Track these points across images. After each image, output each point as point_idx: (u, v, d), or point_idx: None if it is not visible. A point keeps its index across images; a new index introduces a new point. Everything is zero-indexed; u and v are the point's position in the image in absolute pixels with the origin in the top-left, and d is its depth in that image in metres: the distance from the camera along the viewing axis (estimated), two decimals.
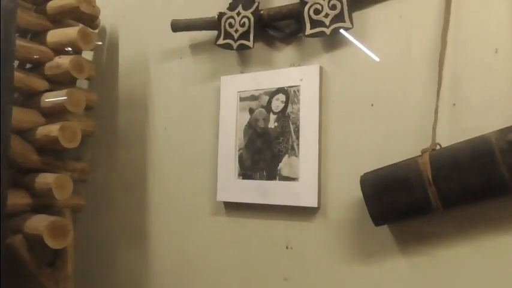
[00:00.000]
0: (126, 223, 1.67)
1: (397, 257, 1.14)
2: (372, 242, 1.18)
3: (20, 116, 1.46)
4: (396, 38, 1.19)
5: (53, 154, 1.57)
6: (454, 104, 1.09)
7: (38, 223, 1.41)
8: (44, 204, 1.51)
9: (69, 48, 1.56)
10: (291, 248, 1.31)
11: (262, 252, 1.35)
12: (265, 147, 1.35)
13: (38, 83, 1.53)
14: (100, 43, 1.77)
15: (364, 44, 1.23)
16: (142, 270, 1.60)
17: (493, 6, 1.06)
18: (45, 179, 1.45)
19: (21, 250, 1.42)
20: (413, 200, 1.04)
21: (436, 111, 1.07)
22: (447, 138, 1.05)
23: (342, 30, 1.23)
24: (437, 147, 1.06)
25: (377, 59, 1.21)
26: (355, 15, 1.22)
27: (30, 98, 1.54)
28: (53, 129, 1.45)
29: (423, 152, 1.06)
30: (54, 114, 1.52)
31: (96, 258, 1.72)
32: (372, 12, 1.23)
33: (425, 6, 1.15)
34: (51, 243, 1.39)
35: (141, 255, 1.61)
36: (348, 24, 1.20)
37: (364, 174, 1.12)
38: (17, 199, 1.45)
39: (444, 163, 1.01)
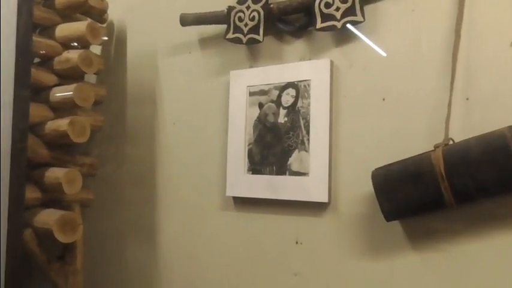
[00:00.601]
0: (135, 218, 1.67)
1: (408, 252, 1.14)
2: (383, 238, 1.17)
3: (30, 110, 1.46)
4: (408, 32, 1.17)
5: (62, 149, 1.57)
6: (467, 99, 1.08)
7: (48, 217, 1.41)
8: (53, 198, 1.51)
9: (75, 43, 1.56)
10: (301, 243, 1.31)
11: (271, 247, 1.35)
12: (275, 142, 1.35)
13: (47, 78, 1.53)
14: (106, 38, 1.77)
15: (376, 38, 1.22)
16: (151, 264, 1.60)
17: None
18: (55, 174, 1.45)
19: (31, 244, 1.43)
20: (426, 196, 1.03)
21: (449, 106, 1.06)
22: (460, 133, 1.04)
23: (352, 25, 1.22)
24: (450, 142, 1.05)
25: (389, 53, 1.20)
26: (366, 8, 1.21)
27: (39, 93, 1.54)
28: (62, 124, 1.45)
29: (436, 147, 1.05)
30: (63, 108, 1.52)
31: (105, 252, 1.72)
32: (383, 6, 1.21)
33: (438, 0, 1.13)
34: (61, 238, 1.40)
35: (150, 250, 1.61)
36: (359, 17, 1.19)
37: (376, 169, 1.11)
38: (27, 193, 1.45)
39: (457, 158, 1.00)
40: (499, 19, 1.06)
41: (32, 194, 1.47)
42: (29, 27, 1.35)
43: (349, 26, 1.22)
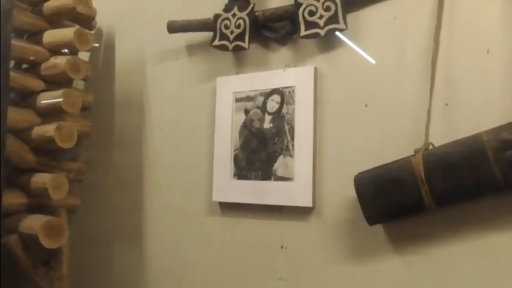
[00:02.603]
0: (122, 223, 1.67)
1: (391, 256, 1.15)
2: (367, 242, 1.19)
3: (16, 116, 1.46)
4: (390, 39, 1.20)
5: (48, 154, 1.57)
6: (447, 104, 1.10)
7: (34, 223, 1.41)
8: (39, 204, 1.51)
9: (66, 50, 1.56)
10: (286, 248, 1.32)
11: (257, 252, 1.36)
12: (261, 148, 1.36)
13: (34, 83, 1.54)
14: (97, 45, 1.78)
15: (359, 45, 1.24)
16: (137, 270, 1.60)
17: (484, 8, 1.08)
18: (41, 179, 1.45)
19: (16, 250, 1.43)
20: (407, 199, 1.05)
21: (429, 111, 1.09)
22: (440, 137, 1.07)
23: (336, 32, 1.24)
24: (430, 146, 1.07)
25: (371, 60, 1.22)
26: (349, 16, 1.23)
27: (26, 98, 1.54)
28: (49, 129, 1.45)
29: (416, 151, 1.07)
30: (50, 114, 1.52)
31: (92, 258, 1.72)
32: (366, 14, 1.24)
33: (419, 8, 1.16)
34: (47, 243, 1.39)
35: (136, 256, 1.61)
36: (342, 25, 1.22)
37: (358, 174, 1.13)
38: (12, 199, 1.45)
39: (437, 163, 1.02)
40: (476, 27, 1.09)
41: (18, 199, 1.47)
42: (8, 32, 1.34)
43: (337, 34, 1.25)
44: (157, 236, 1.58)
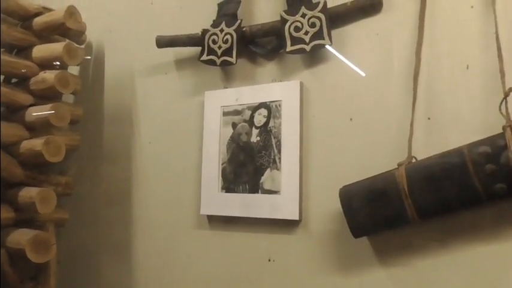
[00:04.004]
0: (110, 237, 1.66)
1: (376, 268, 1.16)
2: (352, 254, 1.20)
3: (4, 130, 1.46)
4: (373, 55, 1.23)
5: (37, 168, 1.57)
6: (429, 118, 1.13)
7: (21, 237, 1.40)
8: (27, 218, 1.50)
9: (57, 63, 1.57)
10: (273, 261, 1.32)
11: (245, 265, 1.36)
12: (248, 161, 1.37)
13: (23, 97, 1.54)
14: (89, 57, 1.79)
15: (343, 61, 1.27)
16: (126, 284, 1.60)
17: (464, 26, 1.11)
18: (29, 193, 1.45)
19: (3, 265, 1.42)
20: (391, 212, 1.07)
21: (411, 125, 1.11)
22: (423, 151, 1.09)
23: (320, 48, 1.27)
24: (413, 160, 1.09)
25: (355, 75, 1.25)
26: (334, 32, 1.26)
27: (15, 112, 1.55)
28: (37, 144, 1.45)
29: (399, 165, 1.09)
30: (39, 128, 1.52)
31: (80, 272, 1.71)
32: (350, 30, 1.27)
33: (401, 25, 1.19)
34: (34, 258, 1.39)
35: (125, 269, 1.60)
36: (327, 41, 1.24)
37: (343, 187, 1.15)
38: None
39: (419, 176, 1.04)
40: (457, 44, 1.12)
41: (5, 213, 1.46)
42: None
43: (328, 47, 1.28)
44: (145, 249, 1.58)
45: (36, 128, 1.53)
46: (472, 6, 1.10)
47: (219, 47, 1.41)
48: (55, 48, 1.54)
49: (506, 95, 0.97)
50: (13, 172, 1.50)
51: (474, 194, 0.98)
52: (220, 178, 1.41)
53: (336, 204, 1.16)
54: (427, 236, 1.10)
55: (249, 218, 1.35)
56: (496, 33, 1.01)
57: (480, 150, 0.97)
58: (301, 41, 1.27)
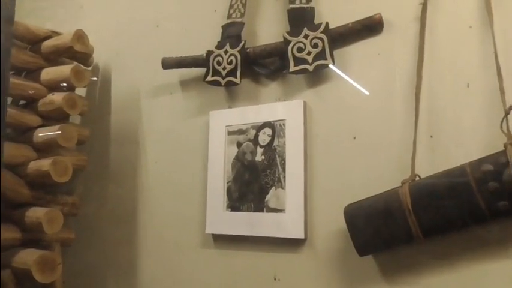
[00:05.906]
0: (116, 257, 1.67)
1: (382, 286, 1.16)
2: (358, 272, 1.20)
3: (12, 151, 1.49)
4: (375, 74, 1.25)
5: (44, 188, 1.59)
6: (432, 136, 1.14)
7: (27, 257, 1.41)
8: (33, 238, 1.51)
9: (65, 84, 1.60)
10: (279, 280, 1.32)
11: (250, 284, 1.36)
12: (253, 180, 1.38)
13: (31, 119, 1.57)
14: (95, 79, 1.82)
15: (345, 80, 1.29)
16: None
17: (463, 45, 1.13)
18: (36, 213, 1.46)
19: (9, 285, 1.42)
20: (395, 230, 1.07)
21: (414, 143, 1.12)
22: (426, 169, 1.09)
23: (323, 68, 1.29)
24: (417, 178, 1.10)
25: (358, 94, 1.27)
26: (336, 52, 1.28)
27: (23, 134, 1.57)
28: (44, 164, 1.47)
29: (403, 183, 1.09)
30: (46, 149, 1.55)
31: None
32: (352, 50, 1.29)
33: (402, 44, 1.21)
34: (40, 278, 1.39)
35: None
36: (329, 61, 1.27)
37: (347, 205, 1.15)
38: (6, 233, 1.46)
39: (423, 193, 1.05)
40: (457, 62, 1.13)
41: (12, 234, 1.48)
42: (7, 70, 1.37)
43: (331, 67, 1.29)
44: (151, 269, 1.58)
45: (43, 149, 1.55)
46: (470, 26, 1.13)
47: (224, 68, 1.44)
48: (63, 70, 1.57)
49: (506, 113, 0.99)
50: (20, 192, 1.52)
51: (478, 211, 0.98)
52: (226, 197, 1.42)
53: (341, 223, 1.16)
54: (432, 253, 1.10)
55: (254, 236, 1.36)
56: (495, 52, 1.03)
57: (483, 168, 0.98)
58: (304, 61, 1.30)
